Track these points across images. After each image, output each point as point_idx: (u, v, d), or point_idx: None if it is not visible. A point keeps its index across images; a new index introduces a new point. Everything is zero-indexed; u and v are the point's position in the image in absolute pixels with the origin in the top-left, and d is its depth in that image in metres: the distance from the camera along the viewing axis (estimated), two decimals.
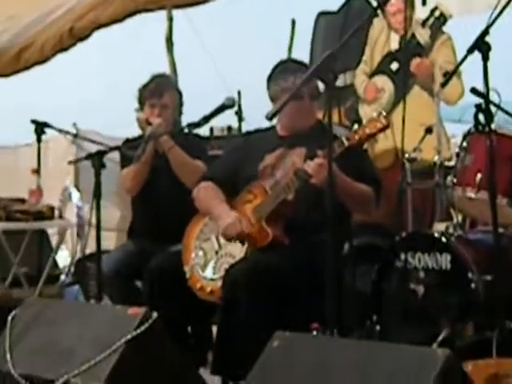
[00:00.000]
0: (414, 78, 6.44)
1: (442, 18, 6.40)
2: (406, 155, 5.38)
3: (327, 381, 2.54)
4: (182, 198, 4.89)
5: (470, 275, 4.56)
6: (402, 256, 4.82)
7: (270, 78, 4.61)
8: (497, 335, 3.87)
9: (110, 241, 7.77)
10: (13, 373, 3.27)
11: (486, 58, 3.79)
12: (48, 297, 6.50)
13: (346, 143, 4.03)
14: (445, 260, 4.69)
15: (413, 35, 6.50)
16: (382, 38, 6.82)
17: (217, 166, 4.89)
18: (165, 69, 8.70)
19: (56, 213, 6.62)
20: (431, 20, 6.43)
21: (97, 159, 4.56)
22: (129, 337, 3.13)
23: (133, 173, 5.32)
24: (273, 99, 4.54)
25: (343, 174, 4.18)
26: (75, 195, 8.96)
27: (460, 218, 5.24)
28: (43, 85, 7.75)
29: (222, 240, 4.46)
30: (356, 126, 4.09)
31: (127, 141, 5.50)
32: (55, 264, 7.39)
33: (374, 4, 6.99)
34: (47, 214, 6.39)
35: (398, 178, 5.63)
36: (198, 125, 4.83)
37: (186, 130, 4.99)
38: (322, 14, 7.52)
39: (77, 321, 3.40)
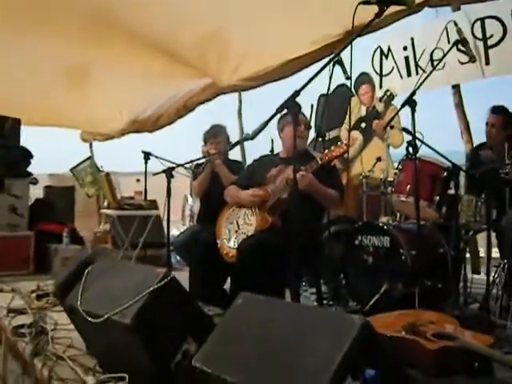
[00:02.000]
0: (374, 132, 5.67)
1: (391, 96, 5.69)
2: (363, 174, 4.53)
3: (271, 331, 1.71)
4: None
5: (401, 251, 3.74)
6: (359, 237, 4.03)
7: (279, 119, 3.86)
8: (418, 290, 3.27)
9: None
10: (79, 308, 2.59)
11: (413, 111, 3.18)
12: (154, 257, 5.60)
13: (320, 161, 3.35)
14: (386, 241, 3.86)
15: (374, 107, 5.71)
16: (356, 110, 6.04)
17: (240, 176, 4.08)
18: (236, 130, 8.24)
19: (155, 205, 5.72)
20: (385, 97, 5.66)
21: (168, 172, 3.96)
22: (151, 288, 2.33)
23: (198, 182, 4.60)
24: (280, 130, 3.85)
25: (319, 183, 3.44)
26: (190, 199, 8.87)
27: (398, 214, 4.39)
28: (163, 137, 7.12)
29: (240, 223, 3.69)
30: (326, 151, 3.31)
31: (197, 165, 4.73)
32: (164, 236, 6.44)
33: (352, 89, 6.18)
34: (146, 206, 5.54)
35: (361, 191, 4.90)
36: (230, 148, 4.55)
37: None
38: (321, 96, 6.68)
39: (125, 275, 2.66)
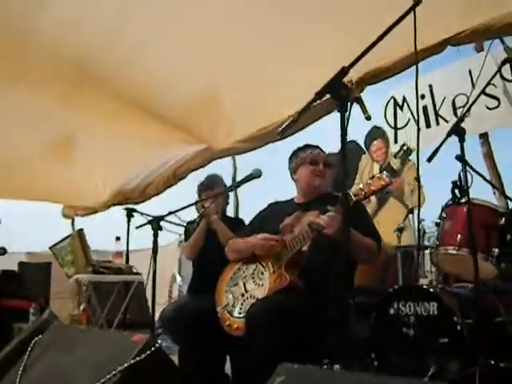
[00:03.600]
0: (390, 193, 4.97)
1: (409, 151, 5.05)
2: (397, 226, 3.71)
3: None
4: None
5: (455, 319, 2.83)
6: (395, 305, 3.12)
7: (291, 157, 3.10)
8: (480, 371, 2.44)
9: None
10: None
11: (462, 140, 2.62)
12: None
13: (354, 198, 2.48)
14: (432, 307, 2.96)
15: (388, 164, 5.06)
16: (367, 168, 5.38)
17: (247, 227, 3.23)
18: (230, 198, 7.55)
19: (134, 271, 4.72)
20: (401, 153, 5.01)
21: (155, 223, 3.12)
22: (125, 365, 1.46)
23: (191, 241, 3.73)
24: (293, 171, 3.07)
25: (353, 229, 2.56)
26: (178, 278, 8.57)
27: (434, 275, 3.60)
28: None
29: (248, 284, 2.81)
30: (362, 185, 2.51)
31: (189, 221, 3.92)
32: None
33: (362, 146, 5.56)
34: (125, 271, 4.58)
35: (382, 257, 3.86)
36: (231, 189, 3.82)
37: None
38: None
39: (85, 346, 1.82)
